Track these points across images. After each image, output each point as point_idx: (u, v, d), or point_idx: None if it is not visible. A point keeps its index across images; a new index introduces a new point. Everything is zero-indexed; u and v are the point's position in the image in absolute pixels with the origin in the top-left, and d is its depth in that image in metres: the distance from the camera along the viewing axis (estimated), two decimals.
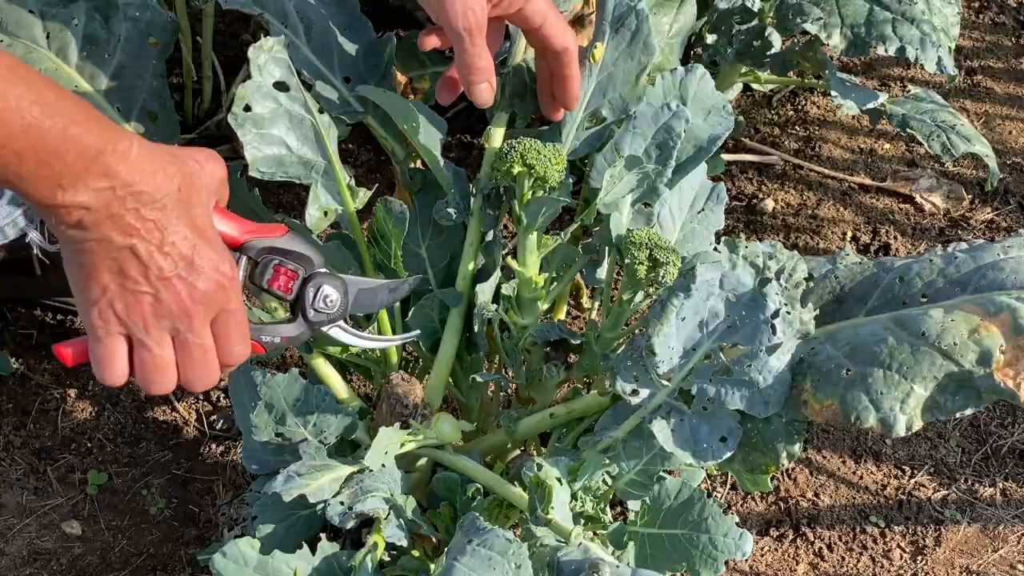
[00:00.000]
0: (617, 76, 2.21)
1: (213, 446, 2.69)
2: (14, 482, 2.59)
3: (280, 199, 3.18)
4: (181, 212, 1.58)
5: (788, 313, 1.83)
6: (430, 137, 2.16)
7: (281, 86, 2.05)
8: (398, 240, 2.13)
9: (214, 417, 2.73)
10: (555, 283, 2.23)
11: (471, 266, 2.21)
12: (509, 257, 2.19)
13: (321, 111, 2.09)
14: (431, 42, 2.14)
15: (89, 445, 2.67)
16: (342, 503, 1.93)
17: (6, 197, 2.57)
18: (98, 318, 1.59)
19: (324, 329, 1.87)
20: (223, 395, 2.77)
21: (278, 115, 2.06)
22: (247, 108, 2.03)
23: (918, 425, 1.70)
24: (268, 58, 2.02)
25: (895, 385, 1.71)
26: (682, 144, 2.13)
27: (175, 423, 2.73)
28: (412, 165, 2.28)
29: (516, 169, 2.04)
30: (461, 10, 1.98)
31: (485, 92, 2.08)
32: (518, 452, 2.32)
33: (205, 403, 2.76)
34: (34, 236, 2.68)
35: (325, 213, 2.12)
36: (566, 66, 2.13)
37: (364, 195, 2.18)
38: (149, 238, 1.55)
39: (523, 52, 2.30)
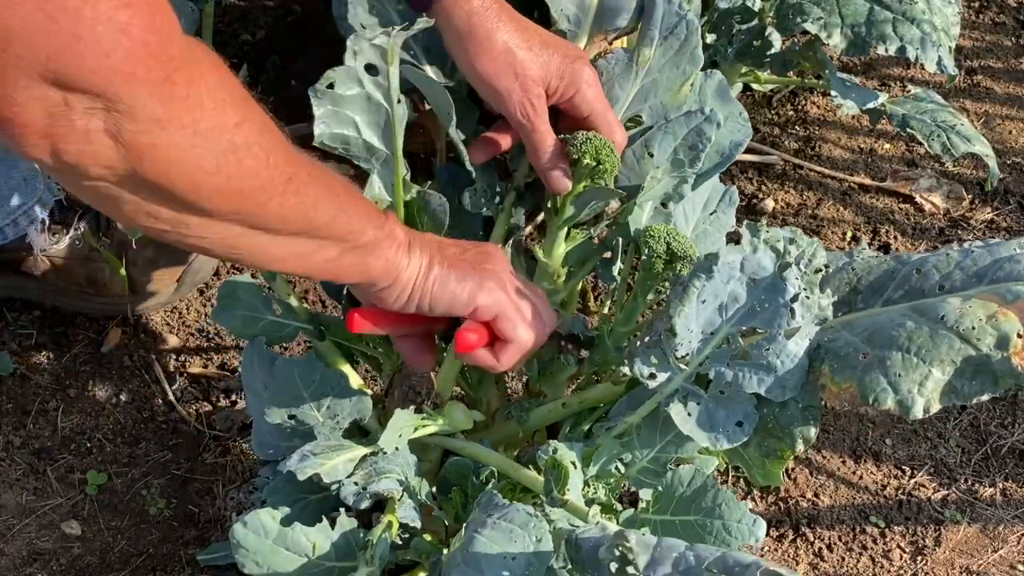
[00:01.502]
0: (661, 83, 2.23)
1: (213, 446, 2.69)
2: (14, 482, 2.59)
3: None
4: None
5: (807, 298, 1.83)
6: (464, 127, 2.20)
7: (372, 69, 2.04)
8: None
9: (214, 417, 2.73)
10: (572, 278, 2.25)
11: None
12: (536, 247, 2.22)
13: (399, 101, 2.08)
14: (480, 155, 2.22)
15: (89, 445, 2.67)
16: (356, 483, 1.93)
17: (7, 198, 2.57)
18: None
19: None
20: (223, 395, 2.77)
21: (358, 98, 2.06)
22: (330, 86, 2.03)
23: (935, 408, 1.70)
24: (367, 45, 2.02)
25: (913, 368, 1.71)
26: (709, 149, 2.17)
27: (175, 423, 2.72)
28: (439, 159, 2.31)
29: (585, 160, 2.07)
30: (518, 99, 2.07)
31: (560, 180, 2.13)
32: (527, 444, 2.32)
33: (205, 403, 2.76)
34: (35, 236, 2.68)
35: (376, 203, 2.13)
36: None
37: (416, 191, 2.18)
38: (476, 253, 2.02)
39: None
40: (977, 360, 1.69)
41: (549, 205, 2.21)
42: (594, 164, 2.07)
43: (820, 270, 1.87)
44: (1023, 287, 1.74)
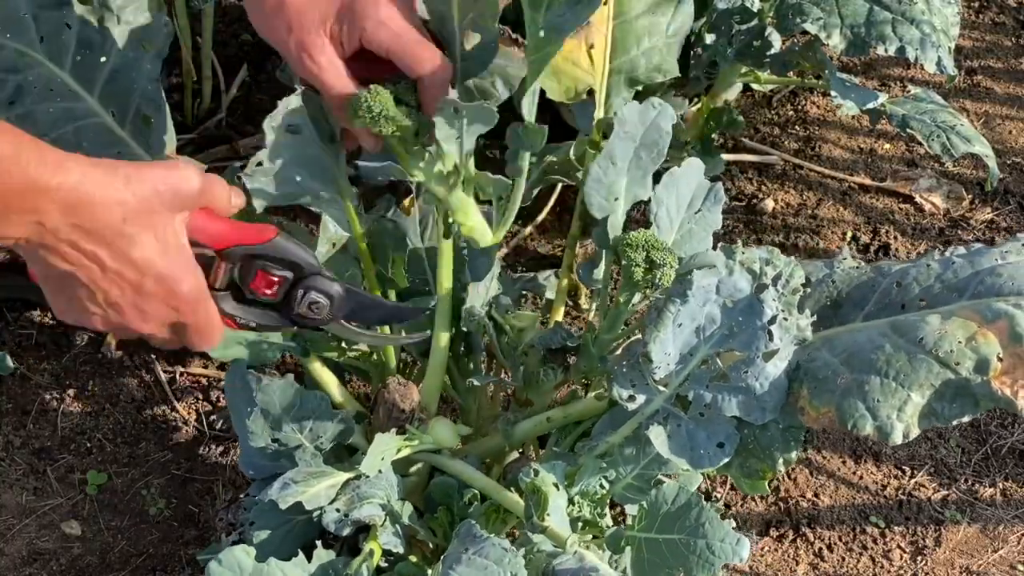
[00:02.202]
0: None
1: (213, 446, 2.69)
2: (14, 482, 2.60)
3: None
4: (125, 243, 1.57)
5: (785, 319, 1.82)
6: None
7: (295, 129, 1.98)
8: (399, 260, 2.13)
9: (214, 417, 2.74)
10: (501, 207, 2.15)
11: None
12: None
13: (333, 140, 2.01)
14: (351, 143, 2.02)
15: (89, 445, 2.68)
16: (338, 510, 1.93)
17: None
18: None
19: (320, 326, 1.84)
20: (223, 395, 2.77)
21: (290, 161, 2.00)
22: (259, 164, 1.97)
23: (915, 433, 1.69)
24: (284, 117, 1.95)
25: (892, 393, 1.71)
26: None
27: (175, 423, 2.73)
28: None
29: (360, 121, 1.86)
30: (296, 54, 1.84)
31: (365, 139, 1.93)
32: (516, 455, 2.32)
33: (205, 403, 2.77)
34: None
35: (333, 244, 2.11)
36: (424, 94, 1.91)
37: (371, 220, 2.14)
38: (88, 268, 1.55)
39: None
40: (957, 384, 1.68)
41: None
42: (371, 117, 1.84)
43: (798, 290, 1.87)
44: (1003, 304, 1.73)
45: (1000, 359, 1.67)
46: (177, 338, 1.71)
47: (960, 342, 1.70)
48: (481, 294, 2.20)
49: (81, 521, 2.56)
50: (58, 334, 2.86)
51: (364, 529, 2.00)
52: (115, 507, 2.59)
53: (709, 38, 2.98)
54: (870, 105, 2.81)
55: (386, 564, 2.03)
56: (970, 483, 2.73)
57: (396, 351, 2.27)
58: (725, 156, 3.19)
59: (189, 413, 2.75)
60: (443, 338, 2.21)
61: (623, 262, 2.04)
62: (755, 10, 2.92)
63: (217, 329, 1.73)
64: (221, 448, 2.69)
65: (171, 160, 1.79)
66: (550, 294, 2.63)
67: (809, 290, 1.95)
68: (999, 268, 1.80)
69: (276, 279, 1.76)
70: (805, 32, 2.84)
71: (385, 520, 1.95)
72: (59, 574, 2.48)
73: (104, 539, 2.54)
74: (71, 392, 2.77)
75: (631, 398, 1.90)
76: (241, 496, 2.36)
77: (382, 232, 2.13)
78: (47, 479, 2.61)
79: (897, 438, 1.69)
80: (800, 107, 3.57)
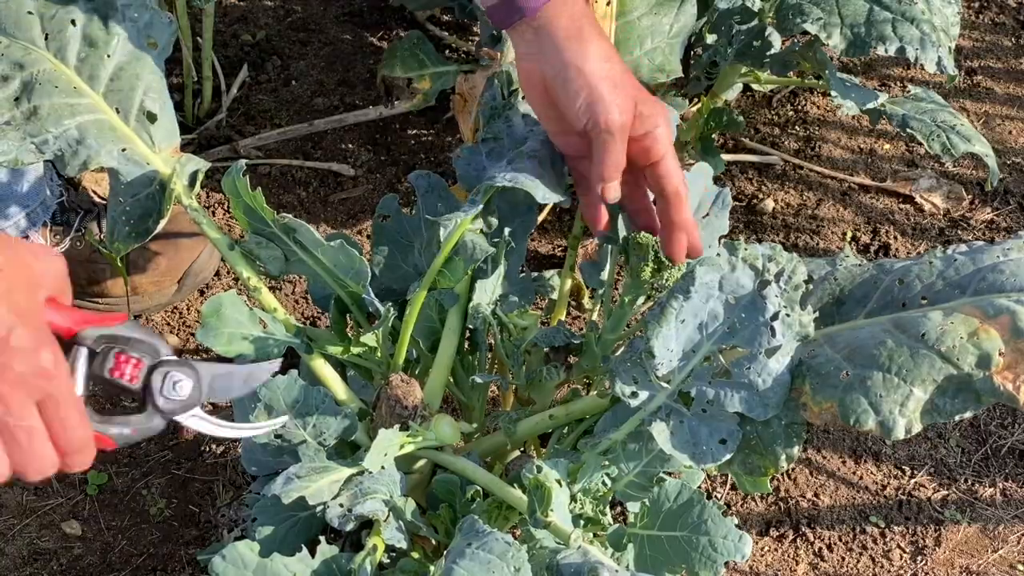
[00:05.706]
0: None
1: (213, 446, 2.69)
2: (14, 482, 2.60)
3: (281, 199, 3.18)
4: None
5: (787, 315, 1.82)
6: None
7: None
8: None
9: (214, 417, 2.73)
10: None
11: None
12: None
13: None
14: (602, 218, 2.09)
15: None
16: (341, 505, 1.92)
17: (8, 202, 2.58)
18: None
19: (178, 418, 1.73)
20: None
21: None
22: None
23: (917, 428, 1.69)
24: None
25: (894, 388, 1.71)
26: None
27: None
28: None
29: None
30: (617, 111, 1.92)
31: (614, 190, 1.98)
32: (518, 453, 2.32)
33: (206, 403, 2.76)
34: (36, 239, 2.69)
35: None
36: (676, 211, 2.00)
37: None
38: None
39: None
40: (959, 379, 1.68)
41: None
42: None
43: (800, 287, 1.86)
44: (1005, 300, 1.73)
45: (1002, 354, 1.67)
46: (44, 425, 1.51)
47: (962, 337, 1.70)
48: (488, 292, 2.20)
49: (81, 521, 2.56)
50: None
51: (367, 525, 2.00)
52: (115, 507, 2.59)
53: (710, 38, 2.99)
54: (870, 105, 2.81)
55: (388, 560, 2.03)
56: (970, 483, 2.73)
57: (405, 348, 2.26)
58: (725, 156, 3.20)
59: None
60: (452, 338, 2.22)
61: (631, 262, 2.05)
62: (755, 10, 2.92)
63: (81, 414, 1.56)
64: (221, 448, 2.69)
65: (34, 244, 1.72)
66: (552, 294, 2.63)
67: (811, 287, 1.95)
68: (1001, 265, 1.80)
69: (135, 361, 1.64)
70: (805, 32, 2.84)
71: (388, 516, 1.95)
72: (59, 574, 2.48)
73: (104, 539, 2.54)
74: None
75: (633, 395, 1.90)
76: (244, 494, 2.36)
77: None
78: (47, 479, 2.62)
79: (899, 433, 1.69)
80: (800, 107, 3.57)
